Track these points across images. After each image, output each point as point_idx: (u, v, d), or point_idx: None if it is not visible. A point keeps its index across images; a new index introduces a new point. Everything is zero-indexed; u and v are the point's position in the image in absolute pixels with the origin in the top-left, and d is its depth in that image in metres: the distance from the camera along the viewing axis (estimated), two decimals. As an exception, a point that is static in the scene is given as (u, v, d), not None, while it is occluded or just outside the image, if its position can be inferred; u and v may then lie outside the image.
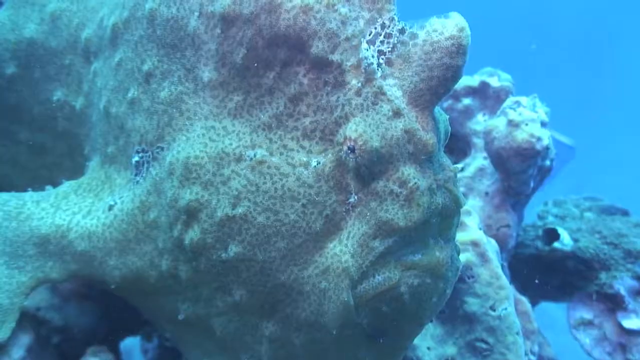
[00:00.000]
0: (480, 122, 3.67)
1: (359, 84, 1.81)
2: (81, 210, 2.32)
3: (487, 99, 3.70)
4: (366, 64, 1.81)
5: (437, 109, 1.93)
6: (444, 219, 1.89)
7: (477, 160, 3.58)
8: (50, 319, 2.80)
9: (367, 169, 1.80)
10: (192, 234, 1.97)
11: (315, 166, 1.85)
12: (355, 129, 1.78)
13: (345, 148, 1.79)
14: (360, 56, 1.82)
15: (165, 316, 2.31)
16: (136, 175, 2.20)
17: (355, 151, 1.77)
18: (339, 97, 1.83)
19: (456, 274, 1.99)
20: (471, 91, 3.73)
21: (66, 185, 2.43)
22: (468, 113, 3.70)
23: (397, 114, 1.80)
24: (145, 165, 2.17)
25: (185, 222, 1.99)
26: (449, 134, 2.05)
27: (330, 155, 1.84)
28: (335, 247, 1.84)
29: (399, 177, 1.80)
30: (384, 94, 1.81)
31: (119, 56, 2.26)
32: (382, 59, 1.83)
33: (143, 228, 2.17)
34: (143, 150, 2.17)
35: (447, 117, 2.03)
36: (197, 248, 1.98)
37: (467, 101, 3.72)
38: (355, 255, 1.81)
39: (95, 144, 2.44)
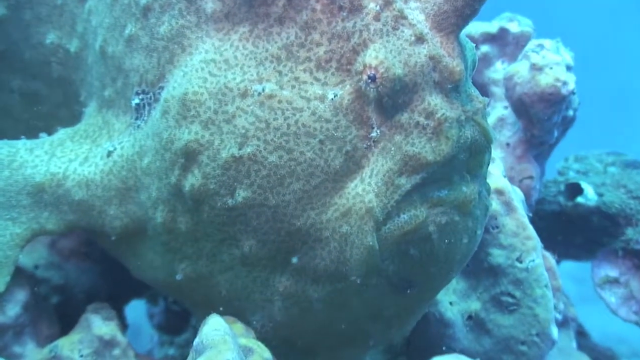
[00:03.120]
0: (499, 70, 3.50)
1: (378, 8, 1.71)
2: (78, 157, 2.21)
3: (507, 45, 3.54)
4: None
5: (463, 36, 1.82)
6: (473, 155, 1.78)
7: (497, 110, 3.42)
8: (50, 277, 2.75)
9: (390, 100, 1.70)
10: (192, 180, 1.84)
11: (332, 99, 1.73)
12: (376, 56, 1.67)
13: (365, 77, 1.69)
14: None
15: (161, 279, 2.18)
16: (137, 119, 2.08)
17: (376, 80, 1.67)
18: (355, 23, 1.72)
19: (485, 213, 1.89)
20: (489, 38, 3.56)
21: (61, 132, 2.33)
22: (486, 61, 3.54)
23: (420, 39, 1.70)
24: (147, 107, 2.05)
25: (183, 166, 1.85)
26: (476, 65, 1.91)
27: (348, 86, 1.73)
28: (357, 187, 1.72)
29: (425, 107, 1.70)
30: (405, 17, 1.71)
31: None
32: None
33: (140, 175, 2.04)
34: (143, 92, 2.04)
35: (474, 45, 1.88)
36: (198, 195, 1.84)
37: (485, 48, 3.55)
38: (380, 194, 1.69)
39: (92, 89, 2.32)
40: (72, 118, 2.47)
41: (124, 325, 3.15)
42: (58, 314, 2.57)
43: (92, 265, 2.88)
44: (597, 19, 21.87)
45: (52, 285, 2.72)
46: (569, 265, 4.28)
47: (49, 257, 2.75)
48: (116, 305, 3.02)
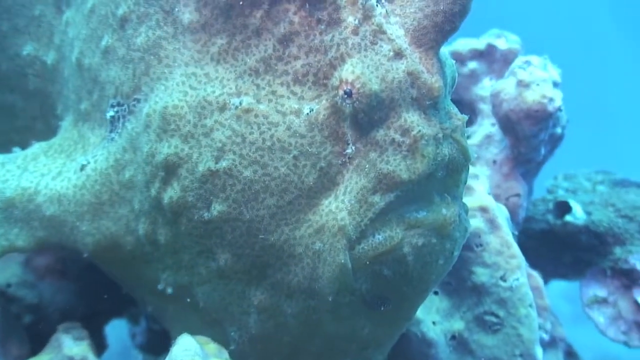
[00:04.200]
0: (486, 87, 3.47)
1: (356, 22, 1.68)
2: (50, 171, 2.16)
3: (494, 62, 3.51)
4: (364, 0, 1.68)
5: (443, 52, 1.79)
6: (451, 173, 1.75)
7: (484, 127, 3.38)
8: (23, 296, 2.68)
9: (366, 116, 1.66)
10: (172, 192, 1.82)
11: (307, 114, 1.70)
12: (352, 71, 1.64)
13: (341, 92, 1.65)
14: None
15: (145, 287, 2.16)
16: (111, 131, 2.05)
17: (353, 95, 1.64)
18: (333, 37, 1.69)
19: (464, 234, 1.85)
20: (477, 54, 3.53)
21: (36, 147, 2.28)
22: (474, 78, 3.50)
23: (398, 54, 1.67)
24: (121, 120, 2.01)
25: (163, 180, 1.83)
26: (456, 82, 1.89)
27: (324, 101, 1.69)
28: (330, 204, 1.69)
29: (402, 124, 1.66)
30: (384, 32, 1.68)
31: (92, 1, 2.10)
32: None
33: (118, 189, 2.02)
34: (118, 104, 2.01)
35: (454, 62, 1.86)
36: (176, 208, 1.82)
37: (472, 65, 3.52)
38: (353, 212, 1.66)
39: (68, 102, 2.29)
40: (49, 131, 2.43)
41: (104, 346, 3.11)
42: (31, 333, 2.51)
43: (69, 283, 2.82)
44: (584, 36, 22.06)
45: (25, 304, 2.65)
46: (561, 284, 4.24)
47: (23, 275, 2.68)
48: (95, 324, 2.97)
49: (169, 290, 2.02)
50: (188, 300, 2.01)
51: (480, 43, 3.55)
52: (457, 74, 1.92)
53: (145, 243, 1.98)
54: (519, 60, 3.12)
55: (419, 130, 1.64)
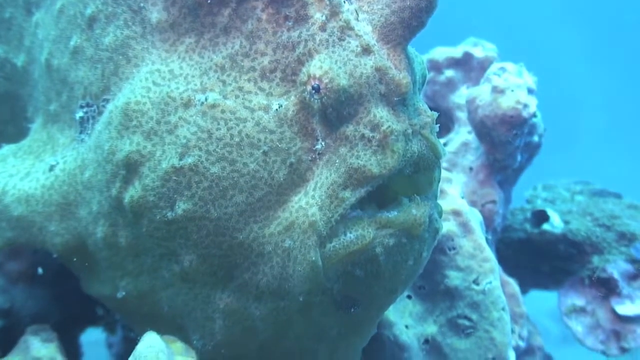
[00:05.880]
0: (463, 95, 3.48)
1: (324, 18, 1.68)
2: (19, 172, 2.13)
3: (471, 70, 3.54)
4: None
5: (412, 50, 1.80)
6: (421, 171, 1.73)
7: (461, 135, 3.40)
8: None
9: (335, 111, 1.65)
10: (132, 192, 1.77)
11: (276, 110, 1.68)
12: (320, 66, 1.63)
13: (309, 88, 1.64)
14: None
15: (107, 295, 2.09)
16: (81, 132, 2.02)
17: (321, 91, 1.63)
18: (301, 33, 1.68)
19: (435, 236, 1.84)
20: (454, 62, 3.56)
21: (5, 149, 2.26)
22: (451, 86, 3.52)
23: (366, 50, 1.66)
24: (91, 121, 1.98)
25: (124, 178, 1.79)
26: (426, 79, 1.88)
27: (293, 97, 1.68)
28: (300, 200, 1.67)
29: (371, 119, 1.65)
30: (351, 28, 1.68)
31: (61, 2, 2.08)
32: None
33: (81, 189, 1.98)
34: (87, 105, 1.98)
35: (425, 59, 1.85)
36: (138, 208, 1.77)
37: (449, 73, 3.54)
38: (324, 207, 1.63)
39: (38, 104, 2.27)
40: (20, 135, 2.39)
41: (79, 354, 3.06)
42: (1, 339, 2.46)
43: (43, 289, 2.76)
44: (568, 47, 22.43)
45: (-4, 310, 2.60)
46: (548, 304, 4.21)
47: (-6, 280, 2.64)
48: (70, 333, 2.93)
49: (131, 299, 1.97)
50: (151, 308, 1.96)
51: (457, 51, 3.57)
52: (427, 72, 1.92)
53: (102, 247, 1.94)
54: (494, 67, 3.13)
55: (389, 126, 1.63)
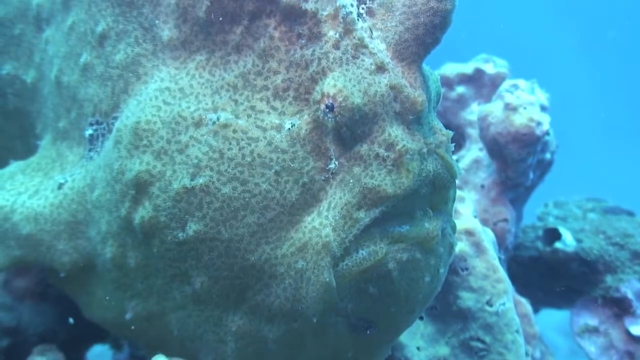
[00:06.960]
0: (475, 111, 3.45)
1: (337, 36, 1.66)
2: (28, 190, 2.12)
3: (483, 87, 3.51)
4: (344, 13, 1.66)
5: (427, 67, 1.78)
6: (437, 190, 1.70)
7: (472, 152, 3.36)
8: (0, 318, 2.56)
9: (349, 130, 1.62)
10: (143, 212, 1.75)
11: (289, 129, 1.66)
12: (334, 84, 1.60)
13: (322, 106, 1.62)
14: (338, 4, 1.66)
15: (110, 319, 2.07)
16: (90, 150, 2.00)
17: (335, 109, 1.60)
18: (314, 51, 1.66)
19: (450, 251, 1.80)
20: (465, 79, 3.54)
21: (13, 166, 2.24)
22: (462, 102, 3.50)
23: (380, 68, 1.64)
24: (100, 138, 1.97)
25: (134, 199, 1.77)
26: (441, 97, 1.86)
27: (306, 116, 1.66)
28: (313, 221, 1.64)
29: (386, 138, 1.62)
30: (365, 46, 1.65)
31: (72, 19, 2.07)
32: (363, 8, 1.70)
33: (90, 208, 1.95)
34: (97, 122, 1.97)
35: (439, 76, 1.83)
36: (148, 228, 1.75)
37: (460, 89, 3.52)
38: (337, 228, 1.60)
39: (47, 120, 2.26)
40: (28, 151, 2.38)
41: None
42: (8, 358, 2.45)
43: (49, 306, 2.75)
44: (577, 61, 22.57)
45: (3, 327, 2.58)
46: (556, 318, 4.17)
47: (1, 297, 2.62)
48: (77, 350, 2.90)
49: (139, 321, 1.94)
50: (160, 330, 1.93)
51: (468, 67, 3.55)
52: (442, 90, 1.89)
53: (111, 268, 1.91)
54: (506, 84, 3.11)
55: (404, 145, 1.60)
